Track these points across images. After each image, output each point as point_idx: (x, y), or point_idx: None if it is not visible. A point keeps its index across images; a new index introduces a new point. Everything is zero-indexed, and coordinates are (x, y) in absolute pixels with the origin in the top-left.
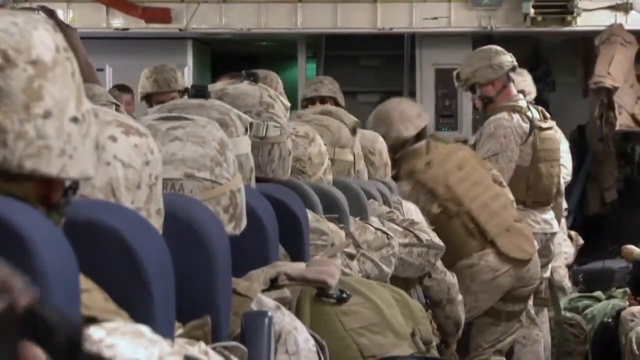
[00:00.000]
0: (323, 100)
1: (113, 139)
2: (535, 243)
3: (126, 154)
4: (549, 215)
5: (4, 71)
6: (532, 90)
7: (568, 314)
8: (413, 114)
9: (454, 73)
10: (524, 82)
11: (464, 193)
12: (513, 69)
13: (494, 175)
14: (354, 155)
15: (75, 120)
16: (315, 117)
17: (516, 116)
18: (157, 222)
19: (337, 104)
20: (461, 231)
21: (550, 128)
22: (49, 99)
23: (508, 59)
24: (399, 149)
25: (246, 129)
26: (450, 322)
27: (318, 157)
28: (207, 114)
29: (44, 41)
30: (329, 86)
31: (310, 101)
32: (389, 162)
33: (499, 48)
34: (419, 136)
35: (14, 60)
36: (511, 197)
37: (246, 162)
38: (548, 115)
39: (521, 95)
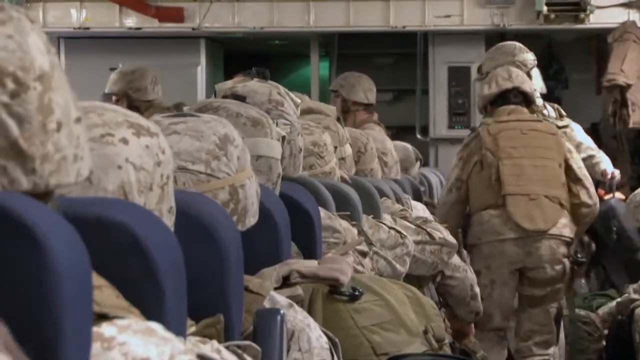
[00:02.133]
0: (336, 95)
1: (124, 141)
2: (564, 222)
3: (138, 156)
4: None
5: (20, 96)
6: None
7: (582, 312)
8: (504, 75)
9: (476, 65)
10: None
11: (504, 148)
12: (532, 67)
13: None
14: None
15: (79, 120)
16: (314, 118)
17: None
18: (169, 221)
19: (354, 100)
20: (486, 182)
21: (566, 126)
22: (57, 110)
23: (531, 57)
24: (488, 109)
25: (277, 139)
26: (472, 315)
27: (331, 146)
28: (245, 112)
29: (39, 47)
30: (338, 80)
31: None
32: (398, 159)
33: (522, 45)
34: (506, 100)
35: (25, 82)
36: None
37: (275, 166)
38: (564, 113)
39: (538, 94)
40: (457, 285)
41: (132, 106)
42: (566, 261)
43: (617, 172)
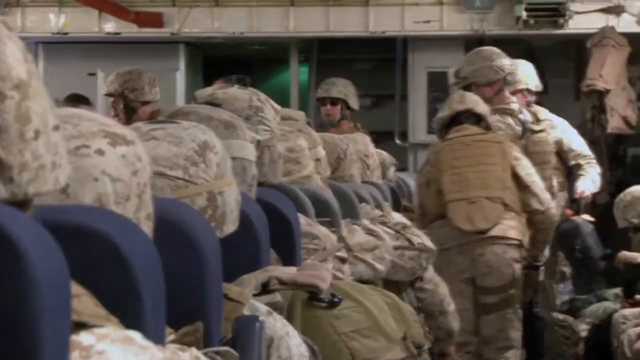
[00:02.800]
0: (334, 101)
1: (100, 152)
2: (509, 223)
3: (114, 167)
4: None
5: None
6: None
7: (560, 316)
8: (457, 99)
9: (452, 70)
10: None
11: (446, 161)
12: (509, 73)
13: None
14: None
15: (57, 128)
16: (284, 123)
17: (509, 119)
18: (147, 228)
19: (348, 107)
20: (433, 197)
21: (542, 130)
22: (35, 118)
23: (508, 62)
24: (445, 129)
25: (251, 142)
26: (443, 331)
27: (307, 150)
28: (217, 115)
29: (16, 56)
30: (340, 88)
31: (321, 101)
32: (379, 163)
33: (499, 50)
34: (459, 122)
35: (2, 91)
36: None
37: (249, 168)
38: (541, 117)
39: (514, 98)
40: (426, 298)
41: (128, 107)
42: (516, 266)
43: (587, 192)
